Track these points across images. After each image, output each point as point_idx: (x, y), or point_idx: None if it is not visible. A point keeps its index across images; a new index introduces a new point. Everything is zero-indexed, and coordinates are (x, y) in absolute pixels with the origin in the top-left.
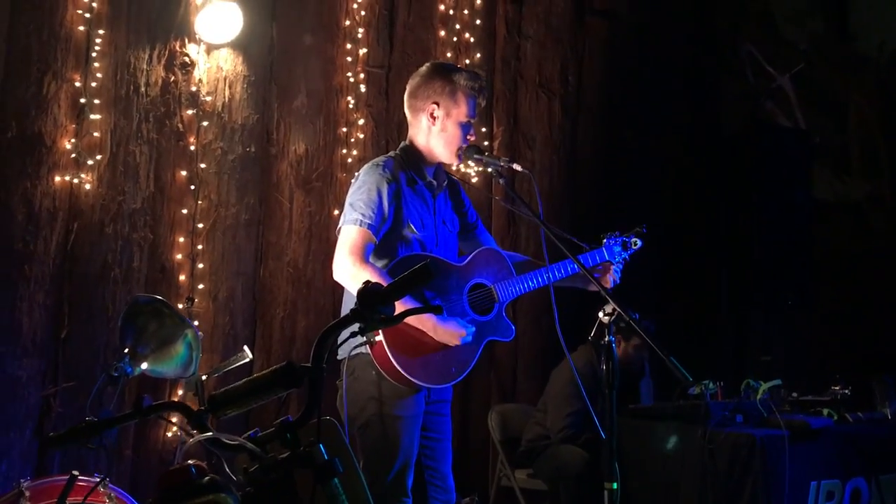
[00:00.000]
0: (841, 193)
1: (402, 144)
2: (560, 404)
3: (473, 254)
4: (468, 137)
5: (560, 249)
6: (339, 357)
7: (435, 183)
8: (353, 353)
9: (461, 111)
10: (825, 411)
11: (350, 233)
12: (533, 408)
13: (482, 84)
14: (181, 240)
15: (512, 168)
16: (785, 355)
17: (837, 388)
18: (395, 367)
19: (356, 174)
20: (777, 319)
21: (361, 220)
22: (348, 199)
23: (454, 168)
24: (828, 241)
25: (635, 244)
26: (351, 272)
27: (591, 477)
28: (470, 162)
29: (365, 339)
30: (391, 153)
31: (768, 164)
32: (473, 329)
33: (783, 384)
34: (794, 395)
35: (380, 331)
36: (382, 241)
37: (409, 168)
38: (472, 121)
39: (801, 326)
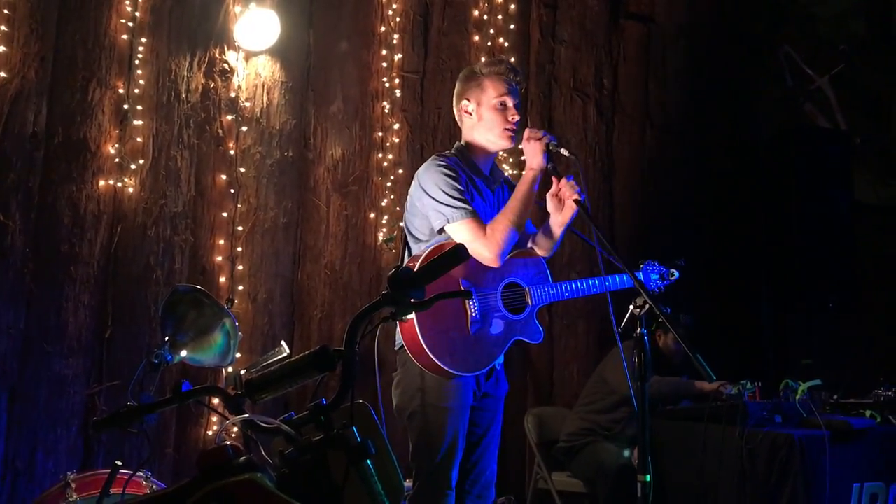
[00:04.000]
0: (883, 195)
1: (456, 144)
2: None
3: (512, 254)
4: (510, 118)
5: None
6: (395, 349)
7: (492, 178)
8: (402, 345)
9: (489, 94)
10: (868, 413)
11: (463, 228)
12: (569, 411)
13: (507, 66)
14: (221, 242)
15: (560, 153)
16: (826, 358)
17: (881, 390)
18: (423, 348)
19: (417, 177)
20: (818, 322)
21: (466, 212)
22: (432, 201)
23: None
24: (870, 243)
25: (672, 275)
26: (494, 252)
27: (631, 476)
28: (510, 158)
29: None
30: (447, 152)
31: (808, 167)
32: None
33: (824, 386)
34: (836, 397)
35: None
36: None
37: (467, 166)
38: (510, 101)
39: (843, 329)
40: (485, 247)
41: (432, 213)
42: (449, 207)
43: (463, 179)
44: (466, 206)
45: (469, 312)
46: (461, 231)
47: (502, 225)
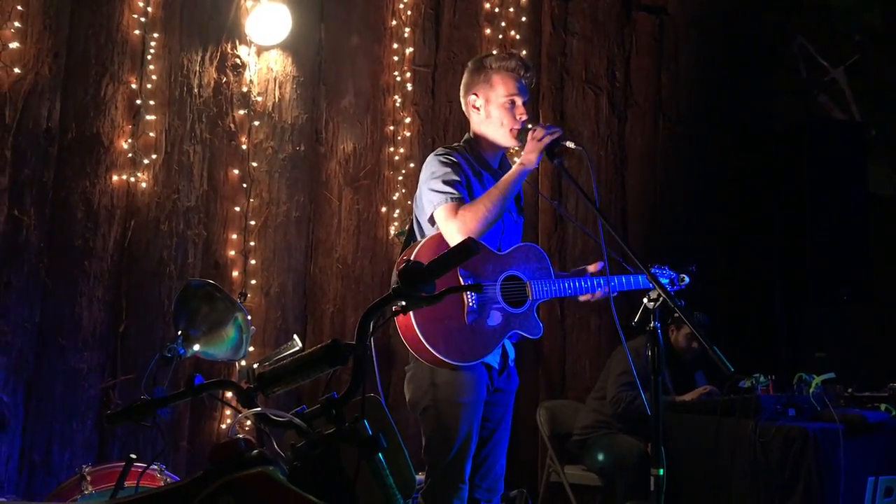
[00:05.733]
0: None
1: (466, 136)
2: (617, 376)
3: (514, 247)
4: (518, 116)
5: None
6: None
7: (501, 171)
8: None
9: (498, 92)
10: (883, 406)
11: (446, 212)
12: (582, 405)
13: (519, 63)
14: (234, 237)
15: (566, 146)
16: (840, 351)
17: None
18: (418, 336)
19: (426, 164)
20: (832, 315)
21: (450, 197)
22: (426, 189)
23: (515, 150)
24: (884, 235)
25: (683, 280)
26: (456, 225)
27: (647, 468)
28: (521, 151)
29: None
30: (455, 144)
31: (822, 159)
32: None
33: (838, 379)
34: (850, 390)
35: None
36: None
37: (474, 158)
38: (519, 100)
39: (857, 322)
40: (456, 230)
41: (426, 202)
42: (437, 194)
43: (468, 172)
44: (452, 192)
45: (466, 302)
46: (440, 215)
47: (475, 209)
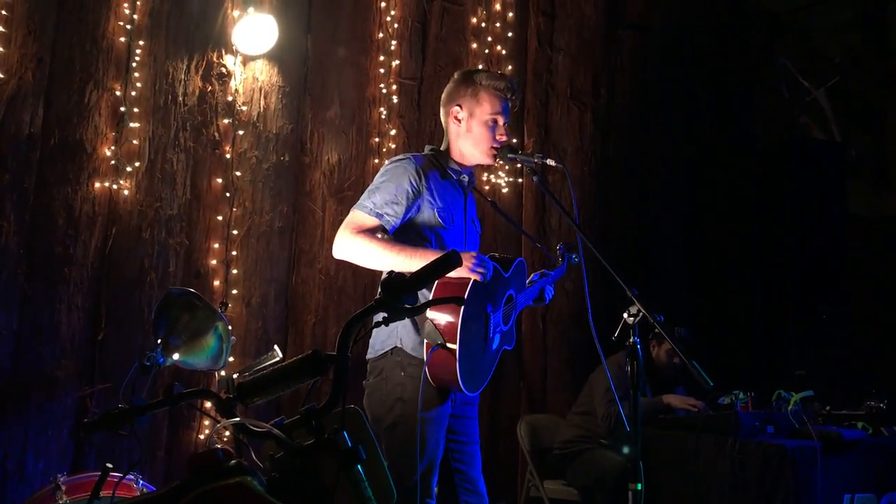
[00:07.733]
0: (877, 207)
1: (430, 148)
2: (605, 392)
3: (514, 265)
4: (498, 137)
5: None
6: (367, 357)
7: (467, 180)
8: (381, 353)
9: (484, 109)
10: (859, 424)
11: (356, 216)
12: (562, 419)
13: (508, 84)
14: (216, 246)
15: (546, 164)
16: (819, 369)
17: (873, 402)
18: (456, 375)
19: (384, 166)
20: (811, 333)
21: (372, 210)
22: (369, 187)
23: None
24: (863, 254)
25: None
26: (347, 240)
27: (627, 484)
28: (506, 166)
29: (429, 341)
30: (422, 152)
31: (803, 178)
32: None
33: (816, 397)
34: (828, 408)
35: (458, 340)
36: (403, 236)
37: (441, 165)
38: (502, 120)
39: (836, 340)
40: (336, 244)
41: (365, 192)
42: (370, 200)
43: (415, 185)
44: (373, 206)
45: (488, 335)
46: (351, 216)
47: (364, 248)
